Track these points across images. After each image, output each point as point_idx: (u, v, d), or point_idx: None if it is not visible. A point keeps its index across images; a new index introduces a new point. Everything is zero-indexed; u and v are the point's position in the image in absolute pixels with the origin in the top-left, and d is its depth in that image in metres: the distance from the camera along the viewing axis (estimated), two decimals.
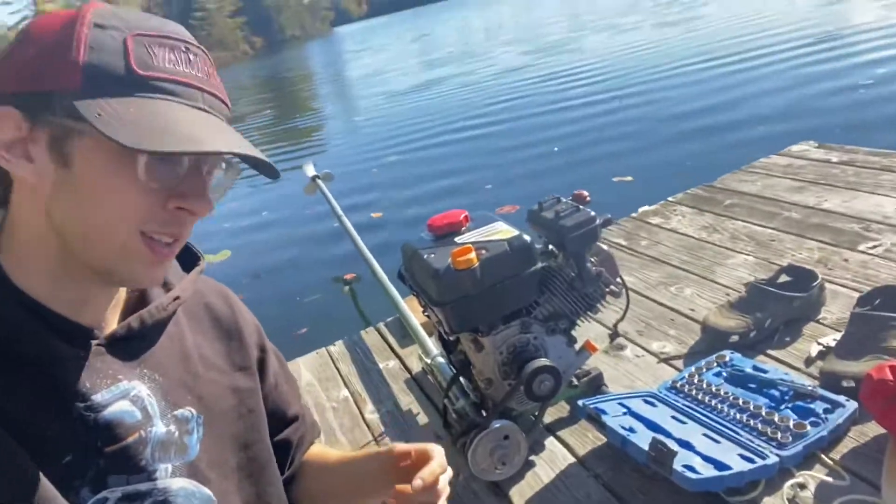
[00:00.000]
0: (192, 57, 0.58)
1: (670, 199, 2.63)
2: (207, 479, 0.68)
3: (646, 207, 2.59)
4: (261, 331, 0.85)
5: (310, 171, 4.00)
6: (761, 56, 6.99)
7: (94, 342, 0.62)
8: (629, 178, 4.16)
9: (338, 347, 2.13)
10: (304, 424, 0.90)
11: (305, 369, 2.01)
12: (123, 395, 0.62)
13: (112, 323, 0.66)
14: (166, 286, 0.72)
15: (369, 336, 2.16)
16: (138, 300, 0.69)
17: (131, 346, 0.65)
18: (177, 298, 0.70)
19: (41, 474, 0.56)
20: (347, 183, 5.36)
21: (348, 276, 3.59)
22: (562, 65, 9.85)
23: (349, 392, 1.86)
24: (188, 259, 0.76)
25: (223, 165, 0.63)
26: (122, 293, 0.68)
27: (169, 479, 0.64)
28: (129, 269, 0.59)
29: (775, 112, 4.89)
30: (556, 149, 5.17)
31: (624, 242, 2.33)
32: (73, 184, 0.55)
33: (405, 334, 2.03)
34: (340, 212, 3.30)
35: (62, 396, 0.59)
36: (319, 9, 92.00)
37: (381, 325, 2.20)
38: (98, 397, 0.60)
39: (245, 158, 0.60)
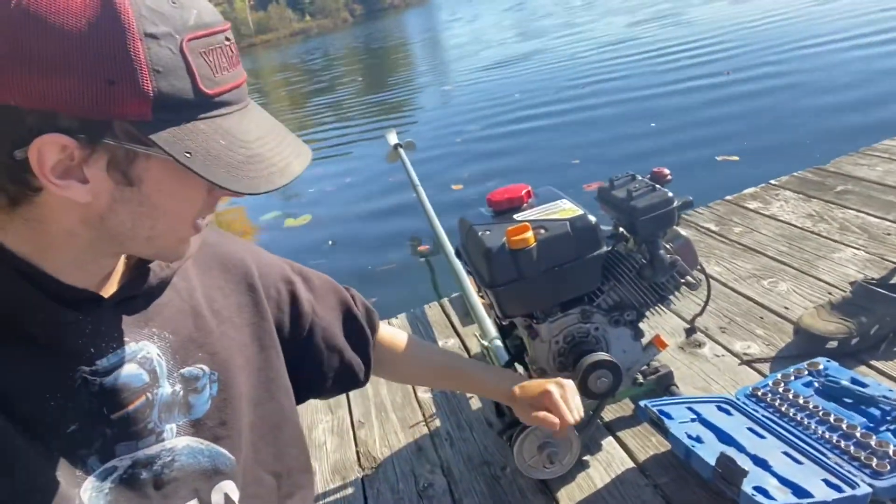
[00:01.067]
0: (232, 49, 0.56)
1: (773, 181, 2.37)
2: (218, 436, 0.67)
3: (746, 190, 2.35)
4: (286, 267, 0.86)
5: (392, 139, 3.98)
6: (891, 30, 6.24)
7: (96, 305, 0.60)
8: (735, 158, 3.82)
9: (399, 320, 2.08)
10: (358, 323, 0.95)
11: None
12: (131, 358, 0.61)
13: (115, 286, 0.63)
14: None
15: (432, 311, 2.10)
16: (139, 261, 0.66)
17: (137, 305, 0.64)
18: None
19: (43, 452, 0.55)
20: (431, 153, 5.30)
21: (422, 248, 3.56)
22: (669, 37, 9.24)
23: None
24: None
25: None
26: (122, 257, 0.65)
27: (175, 438, 0.63)
28: (179, 252, 0.61)
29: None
30: (653, 125, 4.84)
31: (714, 228, 2.12)
32: (138, 200, 0.55)
33: (467, 312, 1.94)
34: (417, 182, 3.25)
35: (66, 363, 0.58)
36: None
37: (445, 301, 2.13)
38: (104, 361, 0.60)
39: None
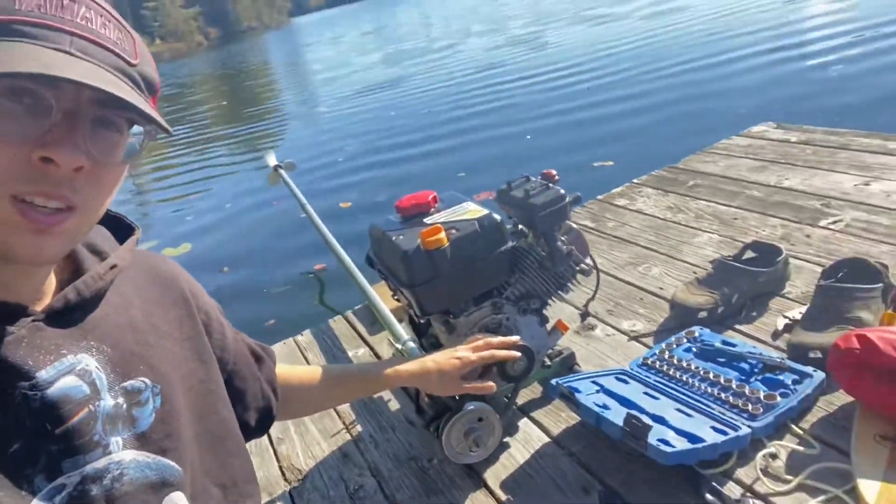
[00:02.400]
0: (66, 2, 0.53)
1: (635, 180, 2.64)
2: (164, 449, 0.67)
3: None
4: (201, 292, 0.85)
5: (271, 160, 3.91)
6: (721, 40, 7.11)
7: (29, 319, 0.59)
8: (610, 163, 4.12)
9: (305, 337, 2.09)
10: (263, 358, 0.96)
11: None
12: (69, 370, 0.60)
13: (47, 299, 0.63)
14: (102, 257, 0.69)
15: (337, 325, 2.12)
16: (73, 274, 0.66)
17: (73, 317, 0.63)
18: (114, 267, 0.68)
19: None
20: (313, 174, 5.26)
21: (317, 267, 3.53)
22: (527, 56, 9.86)
23: None
24: (124, 233, 0.74)
25: (133, 126, 0.59)
26: (52, 276, 0.65)
27: (121, 451, 0.62)
28: (3, 241, 0.53)
29: (736, 94, 4.97)
30: (528, 136, 5.16)
31: (591, 224, 2.33)
32: None
33: (374, 321, 1.99)
34: (304, 201, 3.22)
35: (3, 380, 0.56)
36: None
37: (350, 314, 2.16)
38: (42, 374, 0.57)
39: (130, 111, 0.55)
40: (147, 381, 0.66)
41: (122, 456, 0.62)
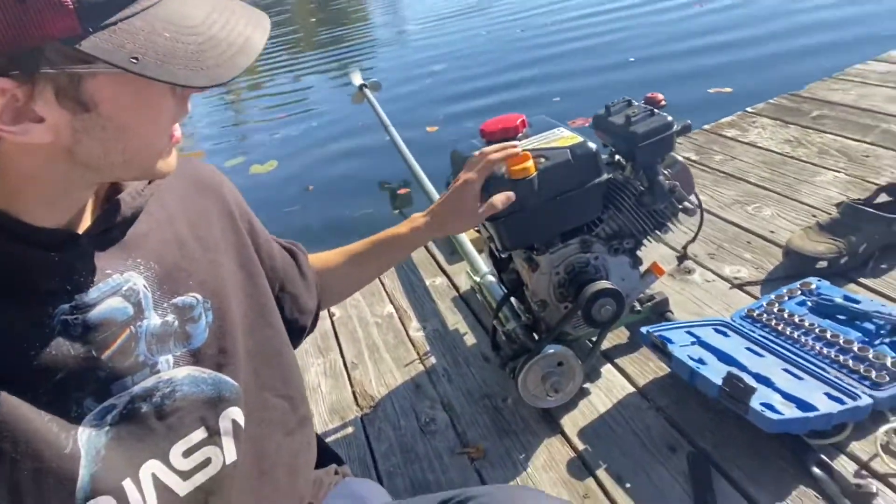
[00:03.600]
0: None
1: (749, 109, 2.37)
2: (219, 364, 0.65)
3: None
4: (242, 199, 0.81)
5: (357, 79, 3.84)
6: None
7: (72, 242, 0.56)
8: (728, 90, 3.67)
9: None
10: (300, 256, 0.91)
11: None
12: (115, 291, 0.58)
13: (88, 221, 0.59)
14: None
15: (416, 252, 2.06)
16: (110, 192, 0.62)
17: (114, 237, 0.60)
18: (151, 182, 0.64)
19: (31, 401, 0.52)
20: (399, 94, 5.12)
21: (401, 191, 3.47)
22: None
23: (394, 308, 1.78)
24: None
25: None
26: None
27: (172, 369, 0.61)
28: (161, 166, 0.57)
29: (874, 13, 4.36)
30: (631, 59, 4.74)
31: (694, 157, 2.12)
32: (101, 124, 0.50)
33: (453, 251, 1.92)
34: (388, 122, 3.15)
35: (41, 308, 0.54)
36: None
37: (429, 242, 2.09)
38: (85, 297, 0.56)
39: None
40: (198, 296, 0.65)
41: (173, 373, 0.61)
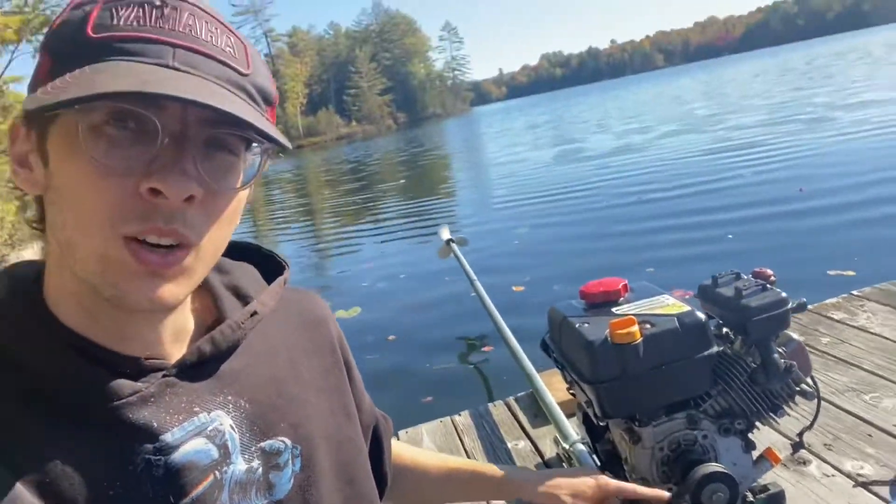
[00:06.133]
0: (167, 11, 0.47)
1: (855, 292, 2.27)
2: None
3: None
4: (345, 341, 0.74)
5: (445, 234, 4.01)
6: None
7: (160, 374, 0.53)
8: (851, 273, 3.39)
9: (463, 418, 1.99)
10: (384, 427, 0.81)
11: (428, 437, 1.87)
12: (199, 431, 0.53)
13: (181, 352, 0.56)
14: (246, 301, 0.62)
15: (497, 410, 2.00)
16: (214, 321, 0.59)
17: (208, 370, 0.56)
18: (254, 314, 0.60)
19: None
20: (486, 255, 5.26)
21: (485, 349, 3.44)
22: (717, 142, 9.39)
23: None
24: (274, 270, 0.67)
25: (251, 145, 0.52)
26: (185, 324, 0.58)
27: None
28: (113, 285, 0.47)
29: None
30: (729, 235, 4.71)
31: (799, 338, 2.01)
32: (53, 183, 0.47)
33: (538, 413, 1.84)
34: (474, 277, 3.22)
35: (125, 444, 0.50)
36: (461, 89, 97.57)
37: (511, 400, 2.03)
38: (168, 437, 0.51)
39: (244, 129, 0.48)
40: (287, 441, 0.59)
41: None
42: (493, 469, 0.93)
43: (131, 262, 0.46)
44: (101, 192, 0.45)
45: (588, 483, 0.96)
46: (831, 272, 3.52)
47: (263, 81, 0.53)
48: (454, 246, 3.81)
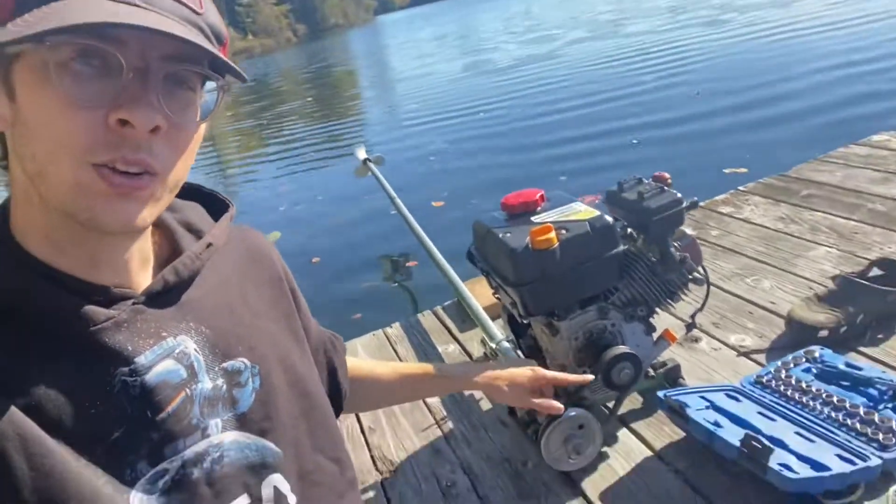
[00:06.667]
0: None
1: (741, 188, 2.51)
2: (264, 430, 0.65)
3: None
4: (288, 270, 0.82)
5: (361, 154, 3.98)
6: (839, 38, 6.63)
7: (129, 301, 0.57)
8: (744, 170, 3.70)
9: (395, 329, 2.10)
10: (336, 346, 0.91)
11: (363, 350, 1.98)
12: (168, 353, 0.58)
13: (146, 281, 0.61)
14: (198, 235, 0.68)
15: (426, 319, 2.12)
16: (171, 253, 0.65)
17: (171, 298, 0.61)
18: (210, 246, 0.66)
19: (89, 461, 0.52)
20: (403, 172, 5.28)
21: (409, 264, 3.52)
22: (620, 49, 9.56)
23: None
24: (219, 210, 0.74)
25: (206, 81, 0.57)
26: (149, 250, 0.64)
27: (221, 433, 0.61)
28: (88, 208, 0.51)
29: (851, 100, 4.64)
30: (634, 141, 4.92)
31: (691, 232, 2.23)
32: (20, 117, 0.50)
33: (465, 318, 1.98)
34: (394, 194, 3.25)
35: (102, 366, 0.54)
36: None
37: (439, 309, 2.16)
38: (142, 359, 0.56)
39: (201, 64, 0.53)
40: (246, 361, 0.65)
41: (221, 438, 0.61)
42: (440, 368, 1.07)
43: (102, 185, 0.50)
44: (71, 123, 0.48)
45: (525, 373, 1.11)
46: (727, 170, 3.84)
47: (215, 20, 0.56)
48: (371, 165, 3.81)
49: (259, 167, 7.32)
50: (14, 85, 0.49)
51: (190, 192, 0.73)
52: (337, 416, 0.89)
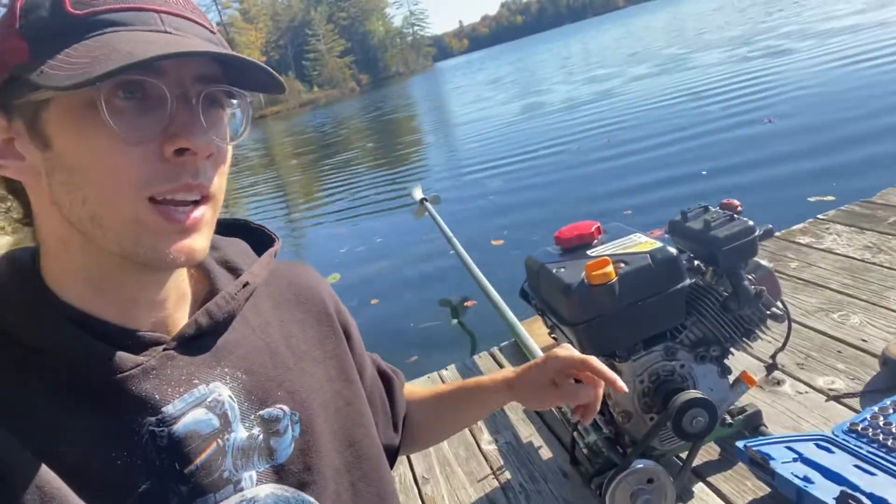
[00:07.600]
0: None
1: (821, 216, 2.34)
2: (304, 482, 0.60)
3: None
4: (341, 306, 0.75)
5: (418, 194, 4.00)
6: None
7: (160, 347, 0.54)
8: (831, 198, 3.38)
9: (450, 372, 2.03)
10: (394, 379, 0.83)
11: None
12: (199, 402, 0.55)
13: (183, 320, 0.58)
14: (236, 273, 0.64)
15: (483, 361, 2.04)
16: (209, 291, 0.61)
17: (205, 343, 0.57)
18: (246, 285, 0.62)
19: None
20: (462, 212, 5.25)
21: (467, 304, 3.46)
22: (685, 83, 9.38)
23: None
24: (265, 246, 0.69)
25: (231, 100, 0.54)
26: (186, 288, 0.60)
27: (255, 487, 0.56)
28: (153, 247, 0.49)
29: None
30: (703, 172, 4.74)
31: (767, 264, 2.07)
32: (61, 164, 0.48)
33: (522, 360, 1.89)
34: (451, 234, 3.24)
35: (129, 415, 0.51)
36: (422, 45, 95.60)
37: (496, 350, 2.07)
38: (170, 408, 0.53)
39: (228, 66, 0.50)
40: (285, 408, 0.61)
41: (256, 492, 0.57)
42: (476, 381, 0.86)
43: (163, 223, 0.49)
44: (126, 160, 0.47)
45: (551, 360, 0.77)
46: (811, 199, 3.57)
47: (223, 39, 0.55)
48: (428, 205, 3.81)
49: (321, 211, 7.49)
50: (47, 133, 0.48)
51: (236, 227, 0.70)
52: (394, 461, 0.81)
